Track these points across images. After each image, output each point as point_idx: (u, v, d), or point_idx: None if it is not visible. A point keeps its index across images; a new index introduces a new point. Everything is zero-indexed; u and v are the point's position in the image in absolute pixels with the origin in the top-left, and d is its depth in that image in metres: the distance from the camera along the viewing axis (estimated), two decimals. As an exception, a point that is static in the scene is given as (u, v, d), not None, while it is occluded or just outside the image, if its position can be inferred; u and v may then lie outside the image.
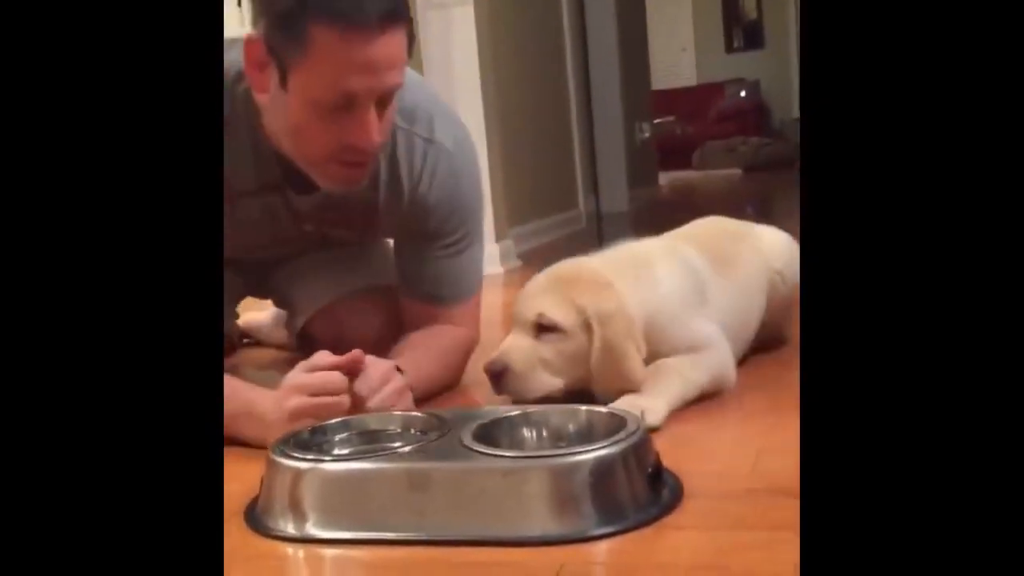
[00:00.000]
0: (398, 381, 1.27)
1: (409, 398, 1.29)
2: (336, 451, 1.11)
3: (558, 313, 1.25)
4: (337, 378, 1.22)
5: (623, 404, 1.22)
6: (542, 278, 1.31)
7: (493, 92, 3.15)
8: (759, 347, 1.59)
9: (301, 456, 1.03)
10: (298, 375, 1.23)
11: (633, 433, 0.99)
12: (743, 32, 10.12)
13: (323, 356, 1.26)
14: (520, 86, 3.68)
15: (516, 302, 1.30)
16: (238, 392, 1.27)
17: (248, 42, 1.26)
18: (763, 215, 5.33)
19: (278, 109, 1.29)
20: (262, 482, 1.06)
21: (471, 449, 0.99)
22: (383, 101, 1.28)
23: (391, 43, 1.24)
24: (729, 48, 10.18)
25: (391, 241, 1.65)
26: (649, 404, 1.24)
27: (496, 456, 0.97)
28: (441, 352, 1.49)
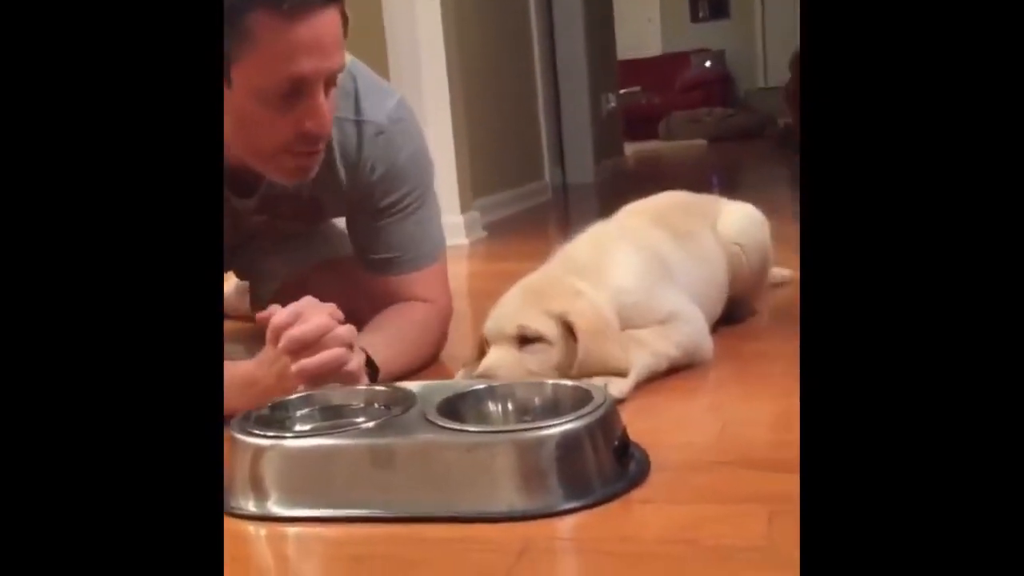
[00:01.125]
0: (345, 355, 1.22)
1: (359, 379, 1.24)
2: (298, 427, 1.09)
3: (539, 323, 1.24)
4: (332, 324, 1.19)
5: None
6: (515, 293, 1.31)
7: (458, 64, 3.12)
8: (728, 318, 1.59)
9: (261, 433, 1.00)
10: (290, 328, 1.18)
11: (599, 406, 0.97)
12: (708, 2, 10.10)
13: (310, 300, 1.23)
14: (485, 57, 3.65)
15: (492, 319, 1.29)
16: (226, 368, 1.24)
17: None
18: (728, 186, 5.35)
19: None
20: (222, 460, 1.04)
21: (435, 424, 0.97)
22: (328, 84, 1.26)
23: (331, 22, 1.22)
24: (694, 18, 10.17)
25: None
26: (615, 376, 1.24)
27: (461, 431, 0.96)
28: (411, 330, 1.46)
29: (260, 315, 1.23)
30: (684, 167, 6.61)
